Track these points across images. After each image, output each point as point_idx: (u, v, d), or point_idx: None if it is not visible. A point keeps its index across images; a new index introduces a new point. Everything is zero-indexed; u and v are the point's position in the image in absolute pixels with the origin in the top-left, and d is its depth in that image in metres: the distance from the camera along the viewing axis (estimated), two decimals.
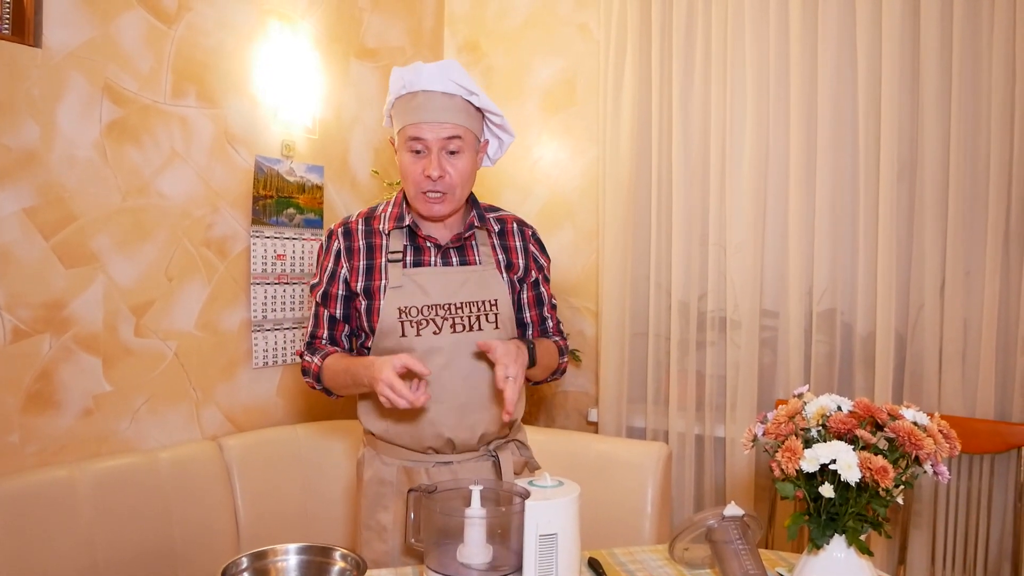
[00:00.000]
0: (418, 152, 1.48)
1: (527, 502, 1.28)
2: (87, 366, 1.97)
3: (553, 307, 1.71)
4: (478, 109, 1.52)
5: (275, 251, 2.45)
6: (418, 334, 1.50)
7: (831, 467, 1.16)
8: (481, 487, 1.31)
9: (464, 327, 1.52)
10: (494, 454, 1.58)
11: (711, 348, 2.68)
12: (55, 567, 1.75)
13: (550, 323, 1.70)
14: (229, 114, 2.31)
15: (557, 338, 1.70)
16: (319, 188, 2.60)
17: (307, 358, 1.59)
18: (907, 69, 2.39)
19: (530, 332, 1.68)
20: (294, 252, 2.52)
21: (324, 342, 1.61)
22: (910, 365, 2.41)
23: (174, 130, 2.16)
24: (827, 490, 1.17)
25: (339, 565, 1.30)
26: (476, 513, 1.29)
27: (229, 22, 2.30)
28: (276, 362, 2.48)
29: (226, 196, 2.31)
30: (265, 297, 2.43)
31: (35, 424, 1.87)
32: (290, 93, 2.50)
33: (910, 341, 2.42)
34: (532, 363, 1.51)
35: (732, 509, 1.43)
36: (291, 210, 2.50)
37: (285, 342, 2.51)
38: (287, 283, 2.50)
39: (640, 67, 2.76)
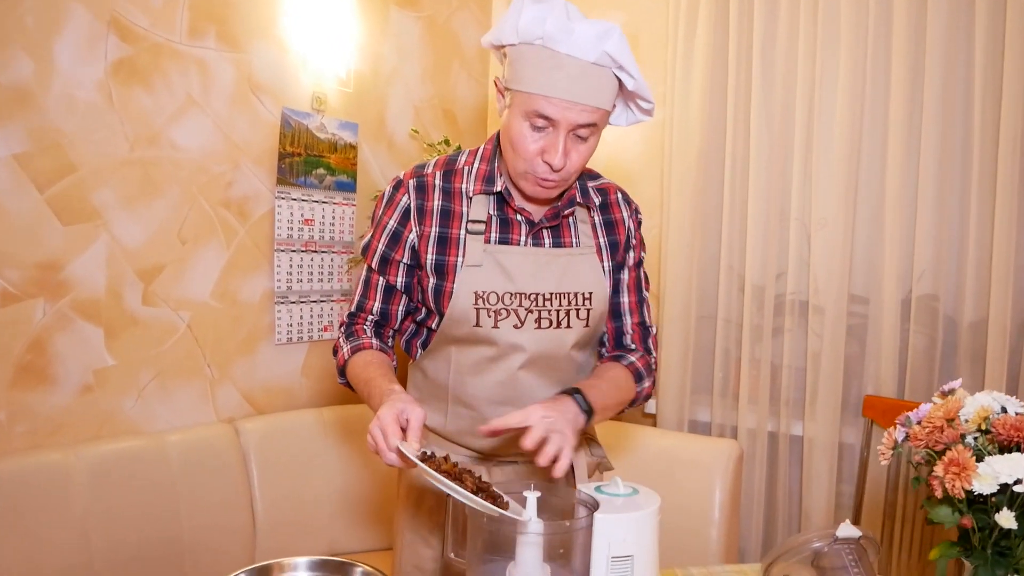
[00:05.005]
0: (539, 128, 1.19)
1: (596, 515, 1.05)
2: (87, 336, 1.79)
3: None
4: (621, 85, 1.22)
5: (302, 215, 2.22)
6: (495, 325, 1.25)
7: (1016, 488, 0.87)
8: (538, 493, 1.05)
9: (551, 323, 1.27)
10: None
11: (788, 336, 2.39)
12: (44, 563, 1.58)
13: (646, 315, 1.43)
14: (253, 59, 2.10)
15: (633, 357, 1.37)
16: (352, 147, 2.36)
17: (340, 340, 1.36)
18: None
19: (627, 320, 1.40)
20: (323, 217, 2.28)
21: (373, 316, 1.36)
22: None
23: (190, 74, 1.95)
24: (1007, 519, 0.88)
25: None
26: (532, 527, 1.03)
27: None
28: (301, 338, 2.27)
29: (248, 151, 2.10)
30: (291, 266, 2.21)
31: (25, 401, 1.69)
32: (322, 40, 2.27)
33: None
34: (588, 415, 1.20)
35: (846, 529, 1.19)
36: (321, 170, 2.26)
37: (312, 316, 2.29)
38: (315, 251, 2.27)
39: (716, 20, 2.46)
